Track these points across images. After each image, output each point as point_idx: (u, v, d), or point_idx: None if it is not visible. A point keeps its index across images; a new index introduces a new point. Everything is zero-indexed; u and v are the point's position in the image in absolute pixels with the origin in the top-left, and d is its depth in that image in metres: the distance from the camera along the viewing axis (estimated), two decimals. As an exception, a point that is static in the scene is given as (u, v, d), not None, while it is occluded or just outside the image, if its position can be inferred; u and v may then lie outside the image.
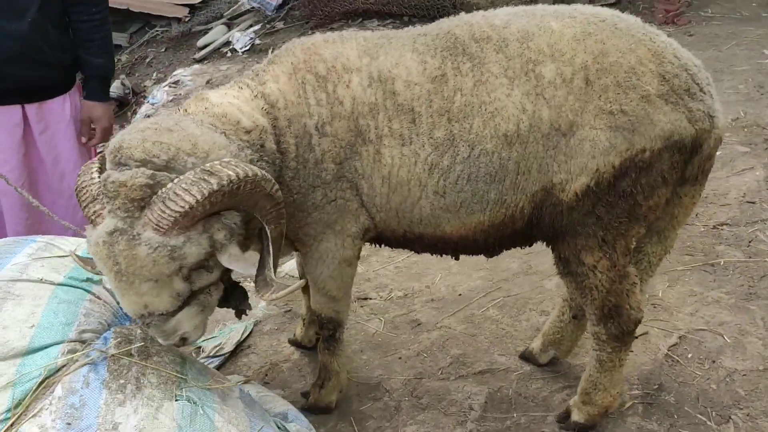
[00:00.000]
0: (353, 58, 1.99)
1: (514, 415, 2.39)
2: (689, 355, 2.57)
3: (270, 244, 1.75)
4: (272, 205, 1.73)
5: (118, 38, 8.45)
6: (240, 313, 2.02)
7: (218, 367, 2.64)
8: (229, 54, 7.78)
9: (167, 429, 1.68)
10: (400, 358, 2.73)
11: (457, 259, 2.31)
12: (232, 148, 1.75)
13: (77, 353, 1.81)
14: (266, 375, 2.67)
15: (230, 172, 1.61)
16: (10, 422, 1.63)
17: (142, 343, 1.88)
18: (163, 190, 1.58)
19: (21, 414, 1.64)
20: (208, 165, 1.62)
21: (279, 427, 2.00)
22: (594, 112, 1.85)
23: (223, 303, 1.94)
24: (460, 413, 2.41)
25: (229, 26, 8.30)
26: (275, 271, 1.78)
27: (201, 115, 1.85)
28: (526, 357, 2.62)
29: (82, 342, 1.86)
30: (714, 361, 2.52)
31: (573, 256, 2.01)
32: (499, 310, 2.97)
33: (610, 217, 1.92)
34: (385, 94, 1.95)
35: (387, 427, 2.38)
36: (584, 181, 1.88)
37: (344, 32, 2.13)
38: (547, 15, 1.99)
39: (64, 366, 1.77)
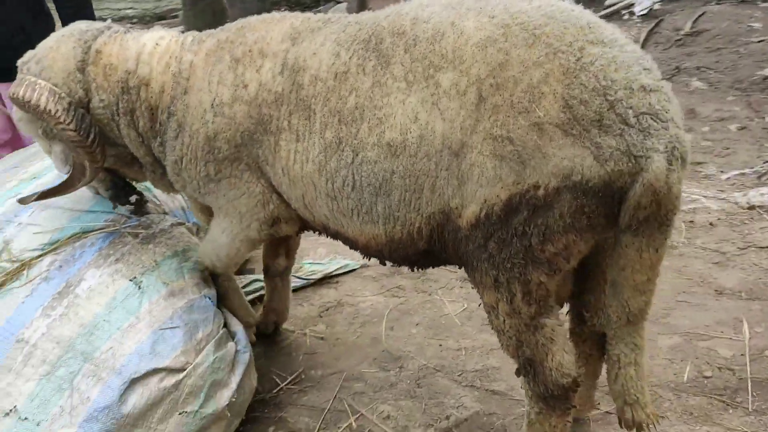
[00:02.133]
0: (274, 43, 1.94)
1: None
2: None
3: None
4: (68, 138, 2.04)
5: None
6: (135, 213, 2.42)
7: (297, 289, 2.94)
8: (626, 16, 7.35)
9: (105, 298, 2.12)
10: (440, 345, 2.56)
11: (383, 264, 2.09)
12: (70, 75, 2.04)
13: (110, 224, 2.39)
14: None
15: (22, 90, 1.99)
16: (39, 254, 2.30)
17: (151, 230, 2.35)
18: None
19: (48, 252, 2.31)
20: (30, 76, 2.02)
21: (221, 339, 2.23)
22: (482, 135, 1.55)
23: (113, 199, 2.38)
24: (435, 415, 2.22)
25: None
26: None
27: (115, 42, 2.10)
28: None
29: (124, 217, 2.43)
30: None
31: (477, 290, 1.73)
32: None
33: (503, 256, 1.60)
34: (293, 86, 1.87)
35: (369, 396, 2.36)
36: (474, 210, 1.60)
37: (295, 13, 2.06)
38: (472, 10, 1.66)
39: (97, 230, 2.37)
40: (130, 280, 2.17)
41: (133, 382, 1.96)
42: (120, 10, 10.91)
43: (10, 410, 1.92)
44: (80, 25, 2.15)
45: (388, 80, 1.70)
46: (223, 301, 2.41)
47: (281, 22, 2.01)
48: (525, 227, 1.55)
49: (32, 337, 2.03)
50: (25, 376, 1.97)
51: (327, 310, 2.84)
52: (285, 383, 2.47)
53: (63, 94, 2.02)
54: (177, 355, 2.06)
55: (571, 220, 1.54)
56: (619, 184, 1.49)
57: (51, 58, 2.04)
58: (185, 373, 2.04)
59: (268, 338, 2.68)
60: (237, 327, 2.34)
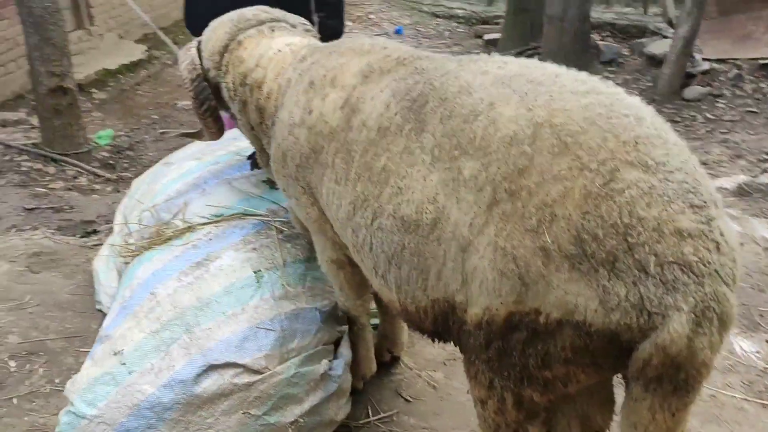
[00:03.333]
0: (348, 75, 1.86)
1: None
2: None
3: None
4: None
5: None
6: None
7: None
8: None
9: (226, 281, 2.26)
10: None
11: None
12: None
13: (266, 214, 2.53)
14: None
15: (183, 50, 2.29)
16: (203, 223, 2.53)
17: (296, 230, 2.43)
18: None
19: (211, 223, 2.52)
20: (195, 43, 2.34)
21: (313, 355, 2.22)
22: (488, 240, 1.38)
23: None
24: None
25: None
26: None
27: (255, 39, 2.22)
28: None
29: (283, 211, 2.55)
30: None
31: (468, 380, 1.65)
32: None
33: (502, 364, 1.46)
34: (346, 125, 1.78)
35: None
36: (477, 313, 1.44)
37: (390, 45, 1.95)
38: (517, 93, 1.46)
39: (254, 215, 2.53)
40: (254, 272, 2.29)
41: (211, 368, 2.07)
42: (452, 9, 11.44)
43: (118, 352, 2.16)
44: (245, 13, 2.28)
45: (417, 149, 1.57)
46: (351, 346, 2.41)
47: (365, 54, 1.91)
48: (524, 347, 1.40)
49: (160, 295, 2.26)
50: (140, 327, 2.20)
51: (454, 359, 2.67)
52: (374, 418, 2.40)
53: (198, 66, 2.27)
54: (260, 357, 2.11)
55: (572, 355, 1.36)
56: (627, 337, 1.28)
57: (209, 36, 2.28)
58: (260, 377, 2.09)
59: (384, 366, 2.62)
60: (344, 354, 2.32)
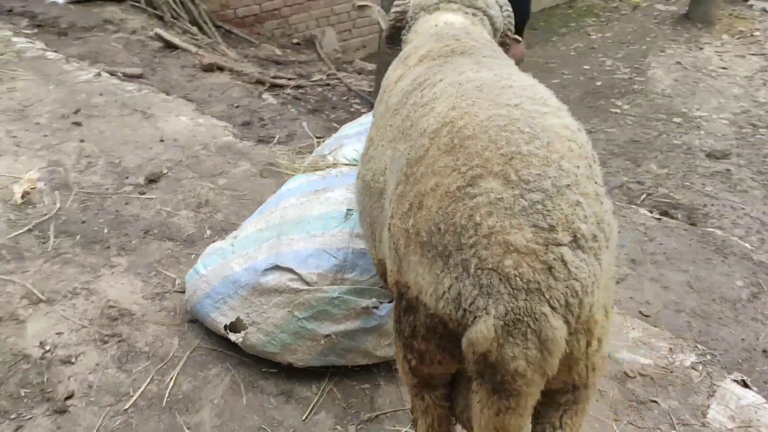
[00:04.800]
0: (414, 57, 2.07)
1: None
2: None
3: None
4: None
5: None
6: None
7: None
8: None
9: (326, 209, 2.69)
10: None
11: None
12: None
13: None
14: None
15: None
16: (343, 163, 2.98)
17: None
18: None
19: (347, 165, 2.96)
20: None
21: (362, 291, 2.53)
22: (388, 214, 1.63)
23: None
24: None
25: None
26: None
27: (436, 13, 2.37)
28: None
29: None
30: None
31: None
32: None
33: (398, 327, 1.64)
34: (386, 96, 2.01)
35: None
36: (390, 275, 1.65)
37: (463, 32, 2.12)
38: (461, 89, 1.62)
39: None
40: (348, 209, 2.68)
41: (277, 268, 2.55)
42: None
43: (235, 237, 2.80)
44: None
45: (389, 127, 1.76)
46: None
47: (438, 41, 2.06)
48: (404, 314, 1.56)
49: (280, 206, 2.82)
50: (257, 224, 2.80)
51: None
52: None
53: (391, 17, 2.48)
54: (314, 273, 2.52)
55: (426, 333, 1.49)
56: (452, 327, 1.40)
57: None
58: (307, 288, 2.51)
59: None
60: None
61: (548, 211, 1.33)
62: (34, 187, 3.61)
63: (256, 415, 2.48)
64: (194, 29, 7.88)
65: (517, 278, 1.29)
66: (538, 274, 1.30)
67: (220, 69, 6.73)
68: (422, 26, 2.30)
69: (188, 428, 2.42)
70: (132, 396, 2.52)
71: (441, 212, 1.39)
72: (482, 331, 1.31)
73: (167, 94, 5.49)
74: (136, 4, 7.75)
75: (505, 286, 1.30)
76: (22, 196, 3.53)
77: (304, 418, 2.49)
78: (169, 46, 6.83)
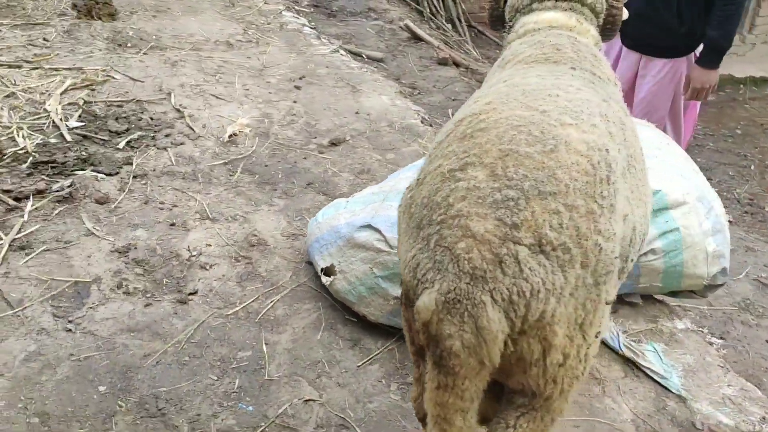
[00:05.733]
0: (509, 62, 2.15)
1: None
2: None
3: None
4: None
5: None
6: None
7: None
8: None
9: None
10: None
11: None
12: None
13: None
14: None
15: None
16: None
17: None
18: None
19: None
20: None
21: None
22: None
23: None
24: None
25: None
26: None
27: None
28: None
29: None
30: None
31: None
32: None
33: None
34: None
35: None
36: None
37: (558, 42, 2.08)
38: (508, 93, 1.73)
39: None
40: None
41: (369, 227, 2.81)
42: None
43: (353, 196, 3.12)
44: None
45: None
46: None
47: (531, 47, 2.11)
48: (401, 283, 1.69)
49: (399, 177, 3.07)
50: (373, 189, 3.09)
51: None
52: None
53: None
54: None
55: (405, 301, 1.62)
56: (411, 297, 1.52)
57: None
58: (388, 250, 2.72)
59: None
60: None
61: (519, 210, 1.40)
62: (242, 131, 4.32)
63: (322, 351, 2.79)
64: (448, 26, 8.36)
65: (466, 262, 1.38)
66: (486, 264, 1.38)
67: (456, 64, 7.09)
68: (521, 28, 2.35)
69: (266, 343, 2.81)
70: (236, 306, 2.98)
71: (432, 189, 1.52)
72: (425, 302, 1.43)
73: (397, 79, 6.01)
74: (403, -4, 8.44)
75: (453, 266, 1.39)
76: (230, 136, 4.25)
77: (359, 364, 2.73)
78: (415, 37, 7.37)
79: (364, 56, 6.58)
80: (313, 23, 6.98)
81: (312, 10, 7.68)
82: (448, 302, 1.40)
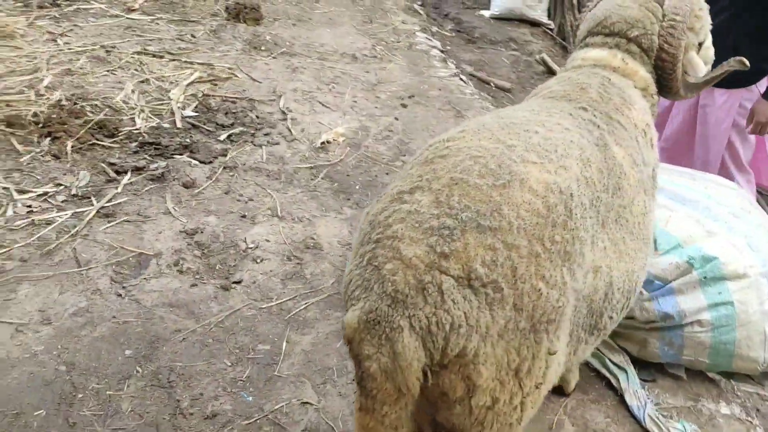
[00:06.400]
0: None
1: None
2: None
3: None
4: None
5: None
6: None
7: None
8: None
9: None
10: None
11: None
12: None
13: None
14: None
15: None
16: None
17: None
18: None
19: None
20: None
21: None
22: None
23: None
24: None
25: None
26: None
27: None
28: None
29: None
30: None
31: None
32: None
33: None
34: None
35: None
36: None
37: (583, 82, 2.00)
38: (488, 122, 1.75)
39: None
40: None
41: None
42: None
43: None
44: None
45: None
46: None
47: (557, 83, 2.08)
48: None
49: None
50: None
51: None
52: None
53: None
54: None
55: None
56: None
57: None
58: None
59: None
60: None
61: (452, 240, 1.38)
62: (336, 140, 4.47)
63: (336, 359, 2.82)
64: (590, 62, 8.07)
65: (390, 284, 1.38)
66: (409, 289, 1.37)
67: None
68: (571, 63, 2.25)
69: (287, 341, 2.89)
70: (272, 302, 3.10)
71: (378, 208, 1.54)
72: (349, 319, 1.44)
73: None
74: (549, 30, 8.29)
75: (378, 287, 1.40)
76: (323, 143, 4.41)
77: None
78: (550, 71, 7.21)
79: (492, 84, 6.55)
80: (448, 47, 7.06)
81: (453, 34, 7.76)
82: (369, 322, 1.39)
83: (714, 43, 3.35)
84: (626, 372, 2.68)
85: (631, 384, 2.63)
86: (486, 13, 8.32)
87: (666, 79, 2.21)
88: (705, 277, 2.52)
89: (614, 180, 1.73)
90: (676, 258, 2.57)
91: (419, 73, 5.80)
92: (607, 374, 2.70)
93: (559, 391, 2.62)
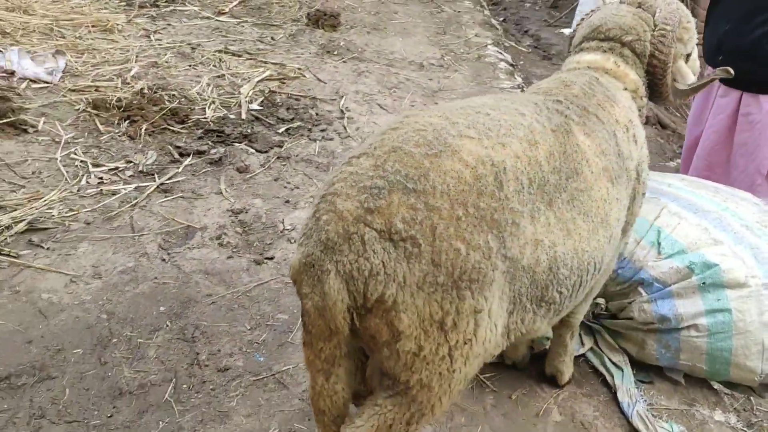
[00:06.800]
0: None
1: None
2: None
3: None
4: None
5: None
6: None
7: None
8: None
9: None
10: None
11: None
12: None
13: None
14: None
15: None
16: None
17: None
18: None
19: None
20: None
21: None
22: None
23: None
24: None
25: None
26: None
27: None
28: None
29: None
30: None
31: None
32: None
33: None
34: None
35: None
36: None
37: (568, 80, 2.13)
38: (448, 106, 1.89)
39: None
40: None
41: None
42: None
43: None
44: None
45: None
46: None
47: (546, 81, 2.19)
48: None
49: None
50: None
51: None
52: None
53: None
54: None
55: None
56: None
57: None
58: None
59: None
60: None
61: (380, 197, 1.55)
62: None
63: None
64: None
65: (324, 233, 1.56)
66: (338, 237, 1.55)
67: (662, 125, 6.75)
68: (566, 66, 2.37)
69: (305, 314, 3.11)
70: (298, 278, 3.33)
71: (335, 170, 1.72)
72: (293, 261, 1.65)
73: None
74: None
75: (316, 235, 1.59)
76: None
77: (370, 354, 2.90)
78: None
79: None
80: (521, 62, 7.15)
81: (530, 50, 7.84)
82: (306, 265, 1.59)
83: (761, 43, 3.35)
84: (622, 371, 2.72)
85: (625, 382, 2.68)
86: (566, 31, 8.33)
87: (657, 84, 2.31)
88: (704, 283, 2.54)
89: (571, 164, 1.84)
90: (678, 262, 2.61)
91: (482, 84, 5.93)
92: (604, 371, 2.75)
93: (553, 382, 2.71)
